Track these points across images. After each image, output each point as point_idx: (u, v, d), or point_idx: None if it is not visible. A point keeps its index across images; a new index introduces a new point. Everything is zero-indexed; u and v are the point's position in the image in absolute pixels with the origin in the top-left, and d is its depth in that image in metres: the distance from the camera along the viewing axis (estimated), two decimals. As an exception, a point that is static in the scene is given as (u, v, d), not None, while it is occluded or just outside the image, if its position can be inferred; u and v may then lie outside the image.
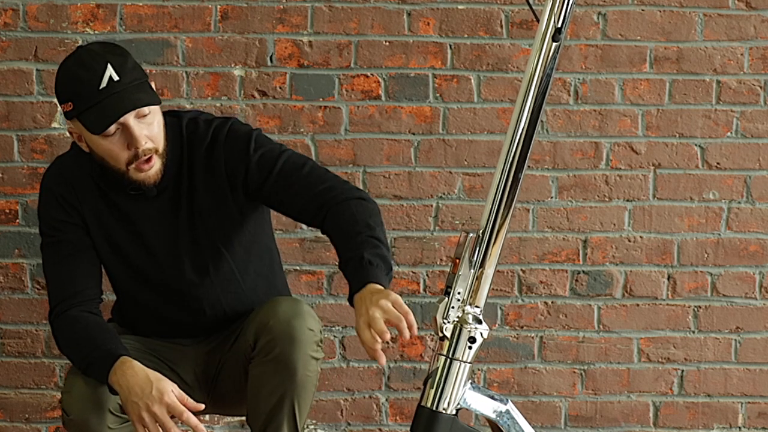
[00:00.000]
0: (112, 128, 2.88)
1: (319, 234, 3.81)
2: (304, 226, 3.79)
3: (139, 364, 2.86)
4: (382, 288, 2.77)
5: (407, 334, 2.70)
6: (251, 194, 3.04)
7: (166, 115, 3.05)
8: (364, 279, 2.80)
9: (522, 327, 3.92)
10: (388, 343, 2.83)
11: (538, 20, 2.76)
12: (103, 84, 2.86)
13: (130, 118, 2.88)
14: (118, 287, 3.15)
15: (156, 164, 2.94)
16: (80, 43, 3.76)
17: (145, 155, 2.91)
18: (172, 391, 2.82)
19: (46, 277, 3.06)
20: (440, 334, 2.78)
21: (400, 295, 3.84)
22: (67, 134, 3.78)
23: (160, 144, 2.95)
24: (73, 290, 3.01)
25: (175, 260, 3.05)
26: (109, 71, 2.87)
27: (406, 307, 2.72)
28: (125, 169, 2.93)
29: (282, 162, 3.01)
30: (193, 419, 2.81)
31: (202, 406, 2.85)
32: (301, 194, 2.99)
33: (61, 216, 3.03)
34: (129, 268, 3.07)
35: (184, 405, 2.82)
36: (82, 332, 2.96)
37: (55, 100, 3.77)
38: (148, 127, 2.91)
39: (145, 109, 2.90)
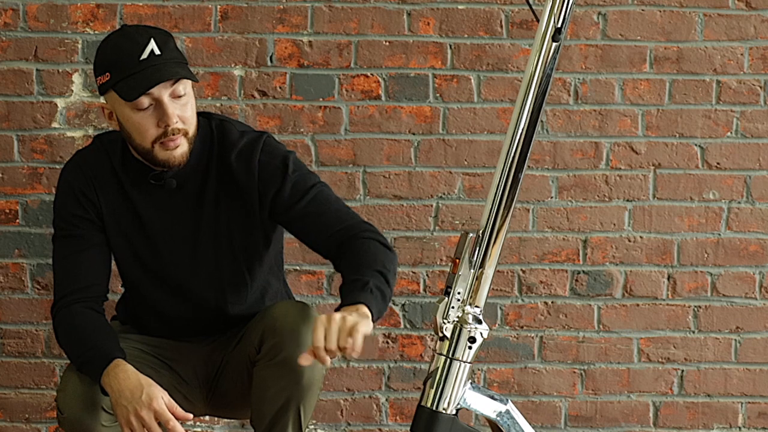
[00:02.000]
0: (146, 102, 2.87)
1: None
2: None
3: (132, 368, 2.86)
4: (368, 316, 2.75)
5: (327, 360, 2.67)
6: (276, 214, 3.03)
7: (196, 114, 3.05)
8: (359, 299, 2.79)
9: (522, 327, 3.92)
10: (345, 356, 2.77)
11: (538, 20, 2.75)
12: (144, 55, 2.87)
13: (165, 95, 2.87)
14: (128, 282, 3.14)
15: (183, 146, 2.92)
16: (80, 43, 3.76)
17: (173, 134, 2.89)
18: (161, 398, 2.83)
19: (54, 269, 3.06)
20: (440, 334, 2.78)
21: (400, 296, 3.87)
22: (68, 134, 3.78)
23: (191, 128, 2.93)
24: (79, 285, 3.01)
25: (188, 259, 3.05)
26: (152, 45, 2.88)
27: (359, 347, 2.69)
28: (150, 147, 2.91)
29: (316, 191, 3.01)
30: (179, 428, 2.81)
31: (191, 416, 2.85)
32: (327, 225, 2.99)
33: (78, 211, 3.02)
34: (140, 264, 3.07)
35: (173, 413, 2.82)
36: (82, 329, 2.96)
37: (56, 100, 3.78)
38: (182, 108, 2.90)
39: (181, 90, 2.89)
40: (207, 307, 3.09)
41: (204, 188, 3.02)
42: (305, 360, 2.68)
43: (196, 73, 3.78)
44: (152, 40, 2.88)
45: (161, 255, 3.05)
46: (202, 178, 3.02)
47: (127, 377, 2.84)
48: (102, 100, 2.98)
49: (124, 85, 2.87)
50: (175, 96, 2.89)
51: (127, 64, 2.87)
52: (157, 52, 2.87)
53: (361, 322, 2.69)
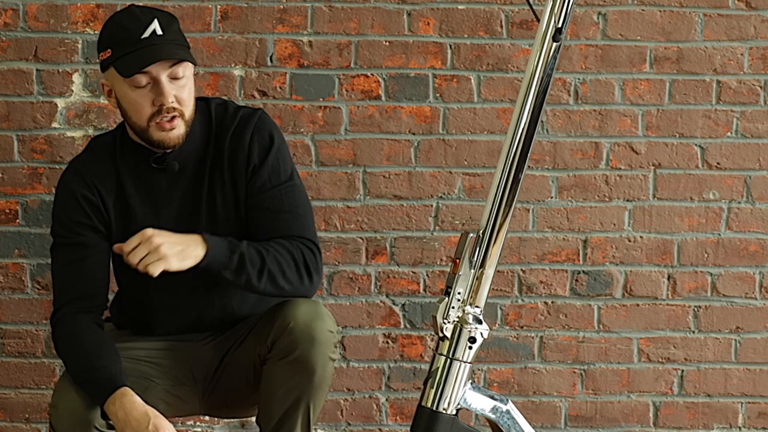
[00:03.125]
0: (144, 80, 2.89)
1: (320, 233, 3.81)
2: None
3: (138, 398, 2.87)
4: (195, 246, 2.87)
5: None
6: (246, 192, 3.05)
7: (195, 99, 3.05)
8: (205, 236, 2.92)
9: (522, 327, 3.92)
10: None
11: (538, 20, 2.76)
12: (146, 35, 2.89)
13: (162, 75, 2.89)
14: (126, 281, 3.13)
15: (179, 128, 2.94)
16: (80, 43, 3.76)
17: (168, 113, 2.91)
18: (167, 429, 2.84)
19: (53, 277, 3.04)
20: (440, 334, 2.78)
21: (400, 296, 3.87)
22: (68, 134, 3.78)
23: (187, 110, 2.95)
24: (80, 293, 2.99)
25: None
26: (155, 25, 2.90)
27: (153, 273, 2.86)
28: (146, 126, 2.93)
29: (286, 188, 3.02)
30: None
31: None
32: (273, 227, 3.01)
33: (81, 218, 3.01)
34: None
35: None
36: (86, 345, 2.94)
37: (56, 100, 3.78)
38: (179, 89, 2.92)
39: (180, 72, 2.91)
40: (209, 302, 3.09)
41: (204, 171, 3.03)
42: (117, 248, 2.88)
43: (196, 73, 3.77)
44: (156, 20, 2.91)
45: None
46: (203, 161, 3.03)
47: (134, 407, 2.85)
48: (103, 77, 2.98)
49: (122, 62, 2.90)
50: (174, 77, 2.91)
51: (128, 42, 2.89)
52: (159, 32, 2.90)
53: (168, 252, 2.86)
